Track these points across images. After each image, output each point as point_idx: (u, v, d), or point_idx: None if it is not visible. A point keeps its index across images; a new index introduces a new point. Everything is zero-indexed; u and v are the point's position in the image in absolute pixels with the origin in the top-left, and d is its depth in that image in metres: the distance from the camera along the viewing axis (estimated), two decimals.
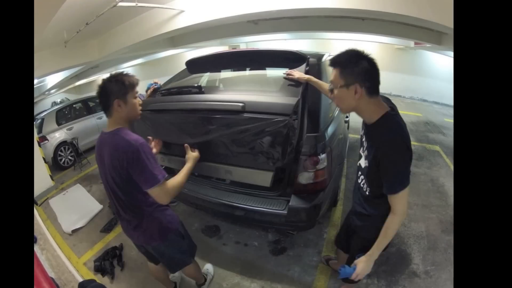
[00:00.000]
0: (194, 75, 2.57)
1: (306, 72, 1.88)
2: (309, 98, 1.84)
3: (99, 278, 2.16)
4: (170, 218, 1.43)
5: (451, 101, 7.07)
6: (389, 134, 1.04)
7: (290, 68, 1.90)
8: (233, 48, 9.48)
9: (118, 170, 1.19)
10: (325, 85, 1.58)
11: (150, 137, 1.80)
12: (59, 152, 4.88)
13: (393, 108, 1.12)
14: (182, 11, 3.67)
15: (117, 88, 1.22)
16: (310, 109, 1.81)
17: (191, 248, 1.64)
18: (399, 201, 1.08)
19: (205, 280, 1.96)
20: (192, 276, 1.85)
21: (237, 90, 2.41)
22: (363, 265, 1.15)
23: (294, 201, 1.79)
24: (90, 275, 2.20)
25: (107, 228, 2.82)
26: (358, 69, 1.01)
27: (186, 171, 1.43)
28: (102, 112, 4.99)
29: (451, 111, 7.08)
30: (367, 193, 1.25)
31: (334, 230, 2.50)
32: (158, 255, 1.51)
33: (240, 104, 1.61)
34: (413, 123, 5.88)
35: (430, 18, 2.80)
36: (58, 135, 5.00)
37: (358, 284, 1.94)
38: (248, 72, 2.75)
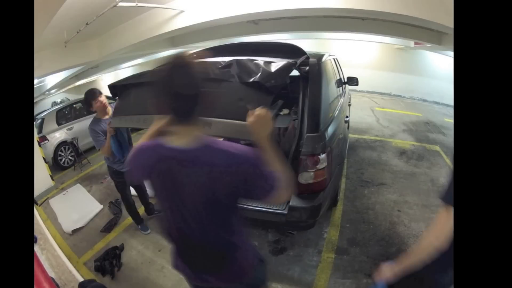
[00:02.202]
0: None
1: (306, 72, 1.88)
2: (309, 98, 1.84)
3: (99, 278, 2.16)
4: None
5: (451, 101, 7.06)
6: None
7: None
8: None
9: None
10: None
11: None
12: (59, 152, 4.88)
13: None
14: (182, 11, 3.67)
15: None
16: (310, 109, 1.81)
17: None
18: None
19: None
20: None
21: None
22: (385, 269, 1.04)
23: (294, 201, 1.79)
24: (90, 275, 2.20)
25: (107, 228, 2.82)
26: None
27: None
28: None
29: (451, 111, 7.07)
30: None
31: (334, 230, 2.50)
32: None
33: None
34: (413, 123, 5.88)
35: (430, 18, 2.80)
36: (58, 135, 4.99)
37: (359, 285, 1.94)
38: None
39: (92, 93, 2.20)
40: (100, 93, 2.24)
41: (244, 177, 0.82)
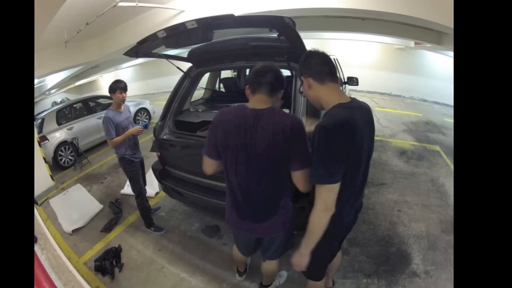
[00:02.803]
0: None
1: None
2: None
3: (99, 278, 2.17)
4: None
5: (451, 101, 7.07)
6: (323, 121, 1.03)
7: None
8: None
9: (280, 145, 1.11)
10: None
11: None
12: (60, 152, 4.87)
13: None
14: (182, 11, 3.67)
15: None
16: (310, 109, 1.81)
17: None
18: (317, 194, 1.02)
19: (272, 283, 1.91)
20: (270, 272, 1.74)
21: None
22: (296, 259, 1.22)
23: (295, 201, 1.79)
24: (90, 275, 2.21)
25: (107, 228, 2.82)
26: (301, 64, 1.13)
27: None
28: (102, 112, 4.98)
29: (451, 111, 7.07)
30: None
31: None
32: (271, 244, 1.48)
33: None
34: (413, 123, 5.88)
35: (430, 18, 2.81)
36: (59, 135, 4.99)
37: (358, 284, 1.94)
38: None
39: (123, 85, 2.39)
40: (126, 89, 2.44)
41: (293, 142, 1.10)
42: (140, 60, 9.37)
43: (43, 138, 4.70)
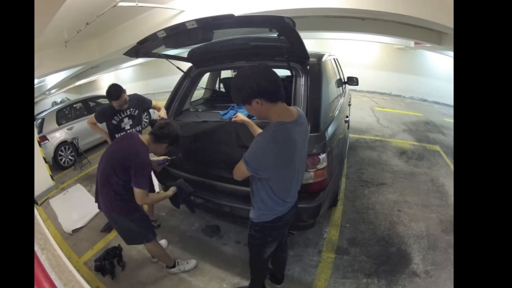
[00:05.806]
0: None
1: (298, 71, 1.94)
2: (309, 97, 1.85)
3: (99, 278, 2.17)
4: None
5: (451, 101, 7.07)
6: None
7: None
8: None
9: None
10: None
11: None
12: (60, 152, 4.88)
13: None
14: (182, 11, 3.67)
15: None
16: (310, 109, 1.81)
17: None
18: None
19: (175, 264, 2.14)
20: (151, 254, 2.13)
21: None
22: None
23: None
24: (91, 275, 2.20)
25: (107, 228, 2.81)
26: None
27: (164, 196, 1.89)
28: None
29: (451, 111, 7.07)
30: None
31: (334, 230, 2.50)
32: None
33: None
34: (413, 123, 5.88)
35: (430, 18, 2.81)
36: (59, 135, 4.99)
37: (358, 284, 1.94)
38: None
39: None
40: None
41: None
42: (140, 60, 9.37)
43: (43, 138, 4.70)
